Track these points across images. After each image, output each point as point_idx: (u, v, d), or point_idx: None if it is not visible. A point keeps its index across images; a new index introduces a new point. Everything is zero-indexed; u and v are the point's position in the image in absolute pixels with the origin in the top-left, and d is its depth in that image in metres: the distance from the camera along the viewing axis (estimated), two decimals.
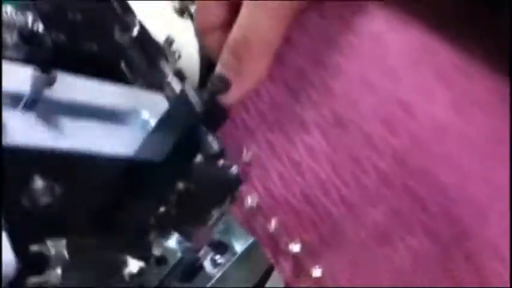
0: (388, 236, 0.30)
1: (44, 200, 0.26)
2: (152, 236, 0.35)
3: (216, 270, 0.48)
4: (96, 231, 0.30)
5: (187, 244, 0.38)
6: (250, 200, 0.37)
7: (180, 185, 0.33)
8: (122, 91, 0.33)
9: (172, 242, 0.38)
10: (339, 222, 0.32)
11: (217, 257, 0.48)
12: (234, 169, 0.37)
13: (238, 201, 0.37)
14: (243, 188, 0.36)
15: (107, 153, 0.30)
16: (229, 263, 0.48)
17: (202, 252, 0.48)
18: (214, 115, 0.29)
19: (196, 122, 0.29)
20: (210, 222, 0.39)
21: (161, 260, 0.50)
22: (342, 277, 0.34)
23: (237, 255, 0.47)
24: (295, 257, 0.36)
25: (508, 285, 0.27)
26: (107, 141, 0.30)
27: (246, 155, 0.38)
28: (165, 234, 0.37)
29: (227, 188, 0.37)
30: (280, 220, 0.36)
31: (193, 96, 0.28)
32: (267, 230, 0.37)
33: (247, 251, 0.46)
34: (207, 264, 0.48)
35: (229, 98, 0.29)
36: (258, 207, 0.36)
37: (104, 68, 0.33)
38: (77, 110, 0.30)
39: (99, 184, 0.30)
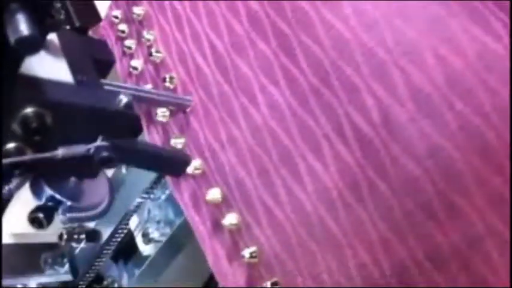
0: None
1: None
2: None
3: (149, 247, 0.38)
4: None
5: (69, 203, 0.28)
6: None
7: (26, 110, 0.24)
8: None
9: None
10: None
11: (151, 230, 0.38)
12: (122, 98, 0.27)
13: None
14: None
15: None
16: (166, 239, 0.38)
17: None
18: None
19: None
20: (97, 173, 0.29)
21: (93, 235, 0.42)
22: None
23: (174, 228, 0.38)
24: None
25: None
26: None
27: None
28: (37, 191, 0.28)
29: (113, 122, 0.27)
30: None
31: None
32: None
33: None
34: (139, 241, 0.39)
35: None
36: None
37: None
38: None
39: None
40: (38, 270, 0.42)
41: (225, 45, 0.32)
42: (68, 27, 0.30)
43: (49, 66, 0.26)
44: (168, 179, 0.34)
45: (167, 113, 0.33)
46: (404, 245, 0.25)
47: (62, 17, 0.28)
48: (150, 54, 0.35)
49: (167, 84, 0.34)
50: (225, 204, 0.30)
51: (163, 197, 0.38)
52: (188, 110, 0.33)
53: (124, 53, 0.37)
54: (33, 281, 0.42)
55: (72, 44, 0.28)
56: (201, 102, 0.33)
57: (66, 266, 0.43)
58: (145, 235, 0.38)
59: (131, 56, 0.36)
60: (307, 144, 0.28)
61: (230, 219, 0.29)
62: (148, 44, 0.36)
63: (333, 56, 0.27)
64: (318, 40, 0.28)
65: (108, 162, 0.26)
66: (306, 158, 0.28)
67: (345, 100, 0.27)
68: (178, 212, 0.37)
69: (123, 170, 0.40)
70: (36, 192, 0.28)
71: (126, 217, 0.39)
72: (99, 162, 0.26)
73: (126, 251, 0.40)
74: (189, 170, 0.31)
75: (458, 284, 0.25)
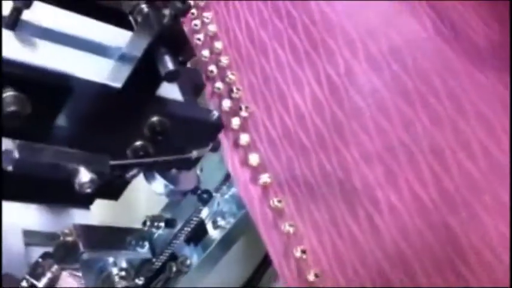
0: None
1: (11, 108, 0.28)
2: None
3: (217, 232, 0.48)
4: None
5: (172, 187, 0.38)
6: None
7: (153, 118, 0.34)
8: (101, 25, 0.35)
9: (160, 185, 0.39)
10: None
11: (219, 219, 0.48)
12: (215, 113, 0.37)
13: None
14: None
15: (78, 77, 0.31)
16: (230, 226, 0.48)
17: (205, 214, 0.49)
18: (174, 36, 0.30)
19: (155, 43, 0.30)
20: (193, 167, 0.39)
21: (171, 222, 0.52)
22: None
23: (237, 219, 0.48)
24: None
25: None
26: (80, 67, 0.32)
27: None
28: (148, 177, 0.39)
29: (206, 131, 0.37)
30: None
31: (153, 18, 0.29)
32: None
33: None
34: (209, 227, 0.49)
35: None
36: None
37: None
38: (55, 36, 0.32)
39: (68, 104, 0.31)
40: (124, 248, 0.53)
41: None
42: None
43: (167, 88, 0.37)
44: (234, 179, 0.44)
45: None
46: None
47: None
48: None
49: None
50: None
51: (229, 193, 0.49)
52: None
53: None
54: (120, 256, 0.52)
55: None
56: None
57: (146, 248, 0.53)
58: (214, 222, 0.48)
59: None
60: None
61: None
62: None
63: None
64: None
65: None
66: None
67: None
68: (241, 206, 0.47)
69: (198, 171, 0.51)
70: (149, 178, 0.39)
71: (199, 208, 0.50)
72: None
73: (197, 235, 0.50)
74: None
75: None
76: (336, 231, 0.33)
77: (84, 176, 0.30)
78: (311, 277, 0.34)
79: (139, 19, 0.32)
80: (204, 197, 0.45)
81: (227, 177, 0.48)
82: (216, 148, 0.38)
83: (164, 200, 0.54)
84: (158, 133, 0.35)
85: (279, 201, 0.37)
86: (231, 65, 0.41)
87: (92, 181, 0.30)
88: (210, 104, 0.42)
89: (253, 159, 0.39)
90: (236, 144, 0.41)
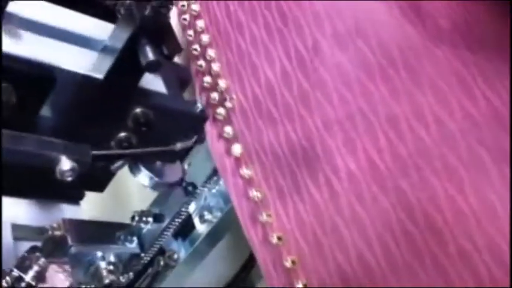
0: None
1: None
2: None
3: (204, 226, 0.49)
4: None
5: (157, 179, 0.39)
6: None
7: (137, 110, 0.35)
8: (85, 17, 0.35)
9: (145, 178, 0.40)
10: None
11: (206, 213, 0.49)
12: (199, 105, 0.38)
13: None
14: None
15: (62, 68, 0.32)
16: (217, 220, 0.48)
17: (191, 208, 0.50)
18: (157, 28, 0.31)
19: (137, 34, 0.30)
20: (178, 159, 0.40)
21: (159, 217, 0.52)
22: None
23: (224, 213, 0.48)
24: None
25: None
26: (64, 58, 0.32)
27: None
28: (134, 169, 0.39)
29: (190, 123, 0.38)
30: None
31: (135, 9, 0.30)
32: None
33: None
34: (196, 222, 0.50)
35: None
36: None
37: None
38: (40, 27, 0.33)
39: (52, 95, 0.32)
40: (112, 243, 0.53)
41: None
42: None
43: (152, 81, 0.37)
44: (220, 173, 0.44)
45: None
46: None
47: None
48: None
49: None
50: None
51: (216, 187, 0.49)
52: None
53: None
54: (109, 251, 0.52)
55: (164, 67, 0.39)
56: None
57: (135, 243, 0.54)
58: (201, 216, 0.49)
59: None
60: None
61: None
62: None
63: None
64: None
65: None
66: None
67: None
68: (228, 200, 0.48)
69: (186, 166, 0.51)
70: (134, 170, 0.39)
71: (186, 203, 0.50)
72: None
73: (184, 230, 0.51)
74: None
75: None
76: (299, 197, 0.35)
77: (65, 164, 0.30)
78: (274, 240, 0.36)
79: (122, 11, 0.32)
80: (189, 190, 0.46)
81: (214, 172, 0.48)
82: (201, 140, 0.39)
83: (155, 196, 0.55)
84: (142, 124, 0.35)
85: (249, 170, 0.39)
86: (211, 42, 0.42)
87: (72, 169, 0.30)
88: (196, 95, 0.43)
89: (228, 131, 0.41)
90: (214, 118, 0.42)
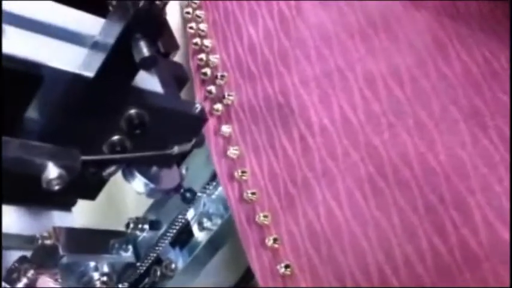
0: None
1: None
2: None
3: (203, 234, 0.46)
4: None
5: (153, 186, 0.36)
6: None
7: (131, 111, 0.32)
8: (75, 12, 0.33)
9: (139, 184, 0.37)
10: None
11: (205, 220, 0.46)
12: (198, 106, 0.35)
13: None
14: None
15: (49, 65, 0.29)
16: (217, 228, 0.46)
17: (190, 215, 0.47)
18: (151, 22, 0.28)
19: (130, 28, 0.28)
20: (174, 164, 0.37)
21: (155, 224, 0.50)
22: None
23: (224, 220, 0.45)
24: None
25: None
26: (52, 55, 0.30)
27: None
28: (127, 175, 0.36)
29: (188, 124, 0.35)
30: None
31: (128, 1, 0.27)
32: None
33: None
34: (195, 229, 0.47)
35: None
36: None
37: None
38: (26, 22, 0.30)
39: (38, 95, 0.29)
40: (106, 252, 0.50)
41: None
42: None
43: (147, 80, 0.34)
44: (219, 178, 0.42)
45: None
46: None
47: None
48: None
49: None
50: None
51: (216, 193, 0.46)
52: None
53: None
54: (102, 260, 0.50)
55: (160, 65, 0.37)
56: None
57: (130, 251, 0.51)
58: (200, 224, 0.46)
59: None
60: None
61: None
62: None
63: None
64: None
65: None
66: None
67: None
68: (227, 207, 0.45)
69: (183, 170, 0.48)
70: (127, 176, 0.36)
71: (184, 209, 0.47)
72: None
73: (182, 238, 0.48)
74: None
75: None
76: (273, 152, 0.36)
77: (52, 171, 0.28)
78: (248, 195, 0.37)
79: (114, 3, 0.30)
80: (187, 196, 0.43)
81: (213, 177, 0.45)
82: (199, 144, 0.36)
83: (151, 201, 0.52)
84: (136, 126, 0.33)
85: (228, 128, 0.40)
86: (200, 5, 0.44)
87: (60, 177, 0.28)
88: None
89: (212, 90, 0.41)
90: (203, 81, 0.43)
